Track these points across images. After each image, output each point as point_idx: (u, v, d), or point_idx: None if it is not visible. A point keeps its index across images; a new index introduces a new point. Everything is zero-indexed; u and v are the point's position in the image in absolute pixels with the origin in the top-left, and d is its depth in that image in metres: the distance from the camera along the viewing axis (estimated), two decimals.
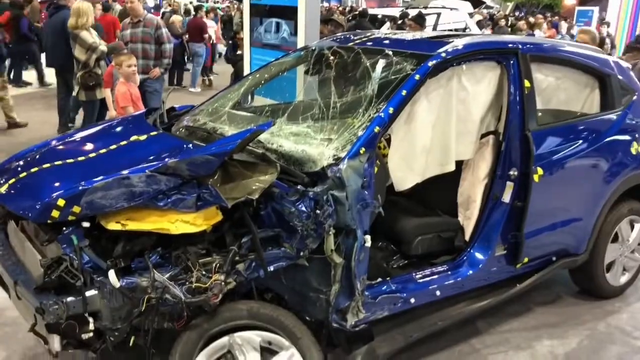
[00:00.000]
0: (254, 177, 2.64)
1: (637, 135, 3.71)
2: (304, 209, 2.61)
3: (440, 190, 3.45)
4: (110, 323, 2.46)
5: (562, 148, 3.33)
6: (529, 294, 3.74)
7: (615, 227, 3.76)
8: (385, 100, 2.82)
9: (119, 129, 3.29)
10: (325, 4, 25.80)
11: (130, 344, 2.54)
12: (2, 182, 2.73)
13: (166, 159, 2.52)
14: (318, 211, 2.60)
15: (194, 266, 2.55)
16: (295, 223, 2.62)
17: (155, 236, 2.54)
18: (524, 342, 3.39)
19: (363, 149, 2.64)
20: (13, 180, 2.69)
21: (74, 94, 7.02)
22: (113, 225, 2.46)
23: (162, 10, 18.34)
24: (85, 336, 2.44)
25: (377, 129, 2.70)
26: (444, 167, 3.13)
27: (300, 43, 5.12)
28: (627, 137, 3.67)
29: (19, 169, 2.78)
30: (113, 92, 6.46)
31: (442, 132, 3.08)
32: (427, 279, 3.10)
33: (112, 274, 2.41)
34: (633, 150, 3.66)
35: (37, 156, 2.89)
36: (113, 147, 2.90)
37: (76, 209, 2.40)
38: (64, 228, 2.44)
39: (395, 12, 14.40)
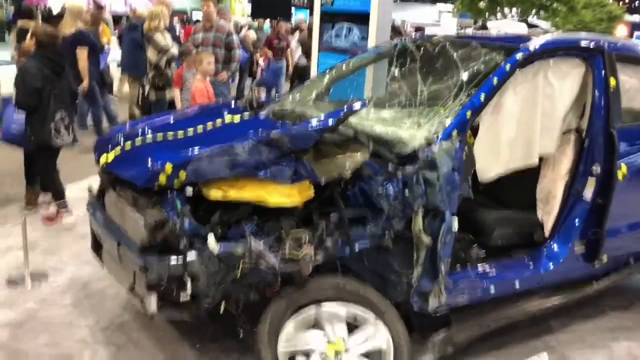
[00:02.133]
0: (346, 156, 2.73)
1: None
2: (392, 190, 2.68)
3: (515, 188, 3.47)
4: (206, 287, 2.56)
5: None
6: (601, 298, 3.70)
7: None
8: (475, 87, 2.88)
9: (212, 111, 3.44)
10: None
11: (221, 310, 2.65)
12: (108, 151, 2.89)
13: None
14: (407, 192, 2.67)
15: (286, 238, 2.64)
16: (382, 204, 2.69)
17: (251, 206, 2.65)
18: (600, 342, 3.35)
19: (455, 132, 2.71)
20: (118, 149, 2.85)
21: (146, 93, 7.30)
22: (214, 193, 2.57)
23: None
24: (182, 298, 2.55)
25: (469, 113, 2.77)
26: (528, 161, 3.15)
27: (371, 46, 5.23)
28: None
29: (123, 140, 2.94)
30: (182, 93, 6.72)
31: (526, 125, 3.11)
32: (507, 270, 3.12)
33: (211, 239, 2.52)
34: None
35: (139, 130, 3.05)
36: (209, 125, 3.04)
37: (182, 175, 2.53)
38: (168, 193, 2.57)
39: (451, 32, 14.43)
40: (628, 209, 3.31)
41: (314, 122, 2.61)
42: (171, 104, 7.05)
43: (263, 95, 3.60)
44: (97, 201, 3.18)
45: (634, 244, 3.46)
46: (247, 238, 2.57)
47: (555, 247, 3.25)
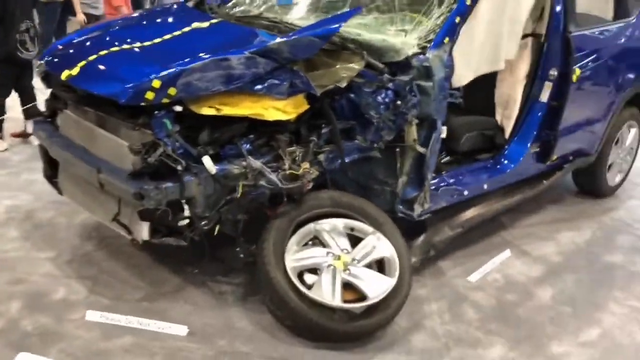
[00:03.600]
0: (339, 65, 2.60)
1: None
2: (381, 100, 2.62)
3: (471, 93, 3.54)
4: (202, 210, 2.41)
5: (595, 51, 3.50)
6: (539, 195, 3.99)
7: (618, 131, 4.05)
8: None
9: (171, 17, 3.08)
10: None
11: (215, 232, 2.52)
12: (69, 64, 2.51)
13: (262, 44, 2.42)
14: (399, 102, 2.63)
15: (284, 154, 2.52)
16: (372, 115, 2.63)
17: (246, 123, 2.48)
18: (547, 234, 3.66)
19: (447, 38, 2.67)
20: (83, 62, 2.49)
21: None
22: (206, 110, 2.37)
23: None
24: (180, 223, 2.39)
25: (457, 18, 2.72)
26: (495, 65, 3.19)
27: None
28: (638, 45, 3.90)
29: (84, 51, 2.57)
30: None
31: (495, 30, 3.11)
32: (477, 173, 3.25)
33: (207, 159, 2.35)
34: None
35: (99, 39, 2.68)
36: (177, 33, 2.74)
37: (172, 91, 2.29)
38: (156, 112, 2.32)
39: None
40: (576, 111, 3.53)
41: (318, 29, 2.43)
42: (65, 7, 6.28)
43: None
44: (48, 122, 2.81)
45: (576, 143, 3.73)
46: (245, 156, 2.43)
47: (516, 148, 3.42)
